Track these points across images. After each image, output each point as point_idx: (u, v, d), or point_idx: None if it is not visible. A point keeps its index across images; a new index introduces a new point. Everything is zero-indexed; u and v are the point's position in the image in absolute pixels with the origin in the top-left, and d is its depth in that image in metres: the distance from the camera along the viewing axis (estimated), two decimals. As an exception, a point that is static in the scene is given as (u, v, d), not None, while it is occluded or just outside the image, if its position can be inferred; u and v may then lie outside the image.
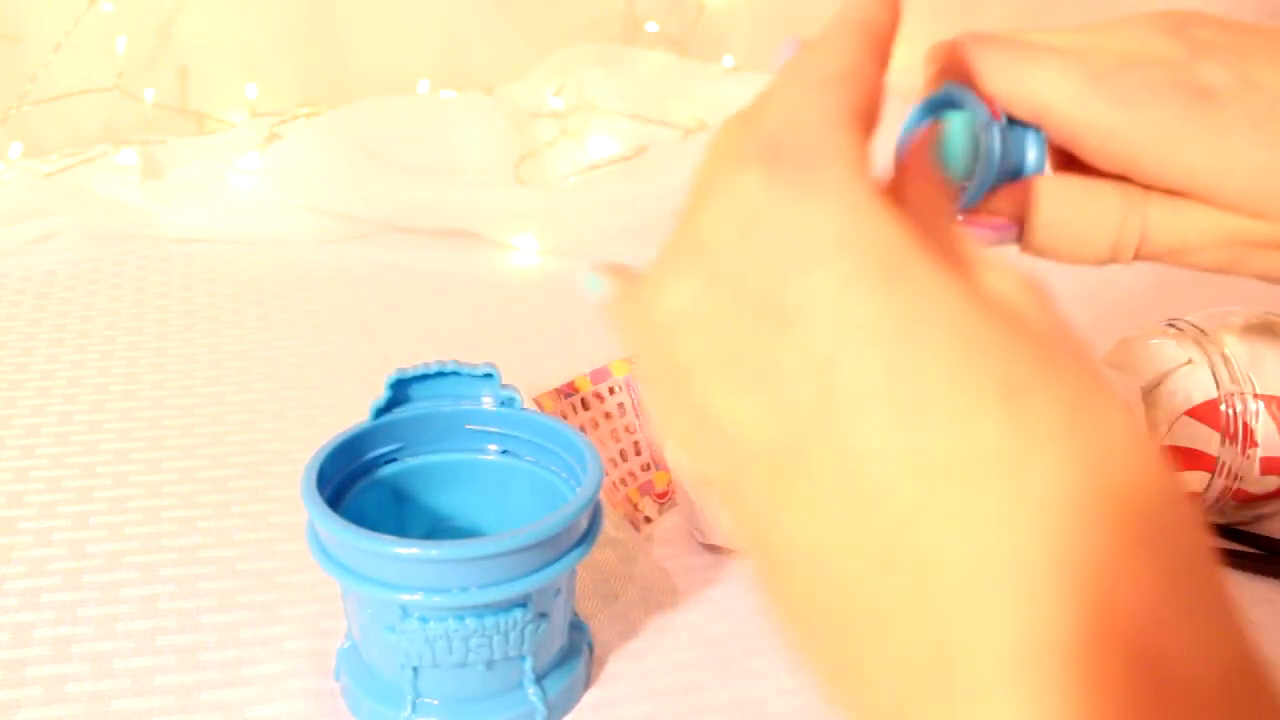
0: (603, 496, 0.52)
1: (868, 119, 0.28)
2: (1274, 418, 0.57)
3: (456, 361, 0.52)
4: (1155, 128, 0.36)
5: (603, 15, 1.25)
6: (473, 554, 0.43)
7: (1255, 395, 0.57)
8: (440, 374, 0.52)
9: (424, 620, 0.44)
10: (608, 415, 0.62)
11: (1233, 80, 0.36)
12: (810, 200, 0.25)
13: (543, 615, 0.46)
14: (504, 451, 0.53)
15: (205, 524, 0.61)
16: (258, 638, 0.53)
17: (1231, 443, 0.56)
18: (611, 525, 0.60)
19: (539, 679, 0.48)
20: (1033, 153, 0.39)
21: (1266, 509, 0.60)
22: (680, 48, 1.28)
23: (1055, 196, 0.39)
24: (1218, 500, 0.58)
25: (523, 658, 0.47)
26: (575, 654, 0.50)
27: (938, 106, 0.39)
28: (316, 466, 0.47)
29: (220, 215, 1.00)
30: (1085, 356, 0.24)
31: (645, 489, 0.61)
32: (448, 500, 0.53)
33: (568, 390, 0.62)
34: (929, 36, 0.44)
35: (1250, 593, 0.56)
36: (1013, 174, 0.39)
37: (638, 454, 0.62)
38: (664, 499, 0.62)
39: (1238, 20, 0.38)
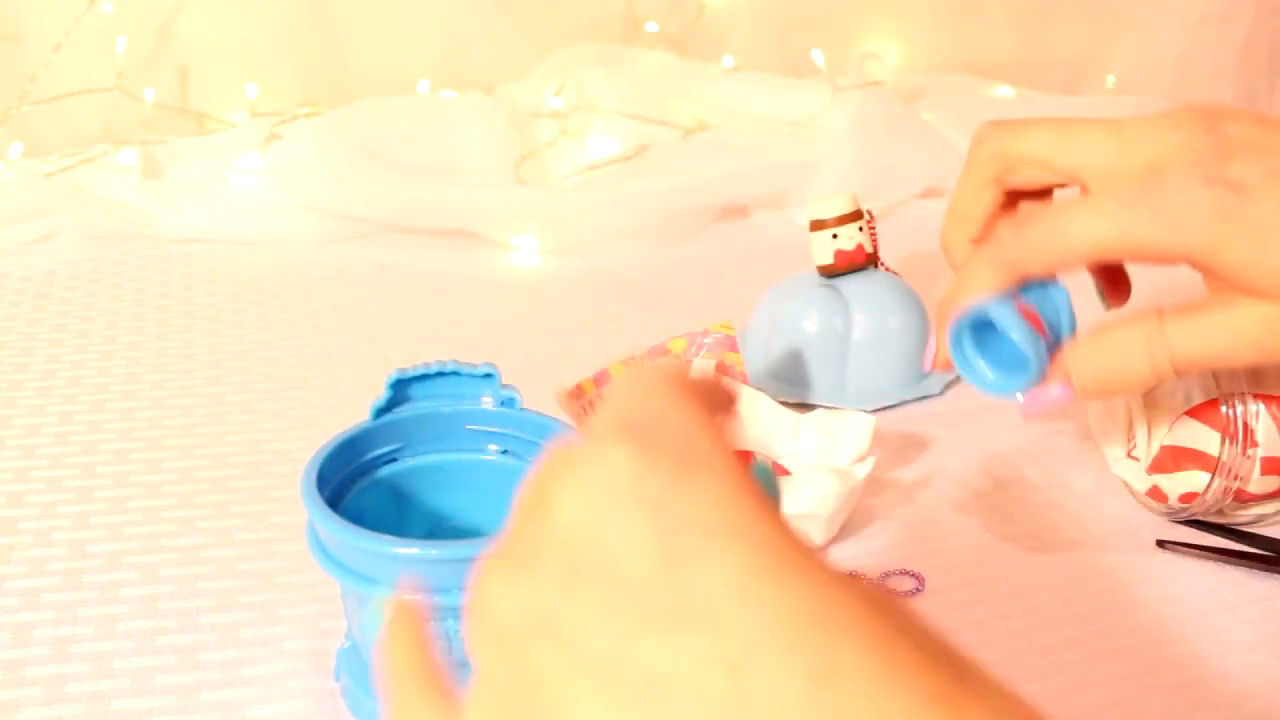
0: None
1: (713, 404, 0.26)
2: (1274, 418, 0.57)
3: (456, 361, 0.52)
4: (1196, 234, 0.40)
5: (603, 15, 1.25)
6: (473, 554, 0.43)
7: (1255, 395, 0.57)
8: (440, 374, 0.52)
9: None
10: None
11: (1262, 175, 0.40)
12: (691, 481, 0.21)
13: (543, 615, 0.46)
14: (504, 451, 0.53)
15: (205, 524, 0.61)
16: (258, 638, 0.53)
17: (1232, 443, 0.56)
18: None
19: (539, 679, 0.48)
20: (1064, 319, 0.46)
21: (1267, 509, 0.60)
22: (680, 48, 1.28)
23: (1084, 357, 0.44)
24: (1218, 500, 0.58)
25: (523, 658, 0.47)
26: (575, 654, 0.50)
27: (978, 325, 0.46)
28: (316, 467, 0.47)
29: (220, 215, 0.99)
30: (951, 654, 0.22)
31: None
32: (448, 500, 0.53)
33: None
34: (929, 36, 0.46)
35: (1250, 593, 0.57)
36: (1052, 346, 0.45)
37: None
38: None
39: (1266, 114, 0.42)
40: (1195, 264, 0.41)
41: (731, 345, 0.68)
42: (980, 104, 1.28)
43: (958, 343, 0.47)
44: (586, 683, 0.20)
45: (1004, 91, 1.33)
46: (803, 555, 0.21)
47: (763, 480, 0.26)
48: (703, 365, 0.65)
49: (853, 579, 0.22)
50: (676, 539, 0.21)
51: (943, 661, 0.21)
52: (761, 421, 0.63)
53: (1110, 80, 1.44)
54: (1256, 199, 0.39)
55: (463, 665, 0.45)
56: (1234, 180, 0.40)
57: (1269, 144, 0.40)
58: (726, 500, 0.21)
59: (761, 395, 0.64)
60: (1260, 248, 0.39)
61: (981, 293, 0.45)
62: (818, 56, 1.26)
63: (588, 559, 0.21)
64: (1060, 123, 0.45)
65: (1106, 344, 0.44)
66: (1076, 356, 0.45)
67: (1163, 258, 0.41)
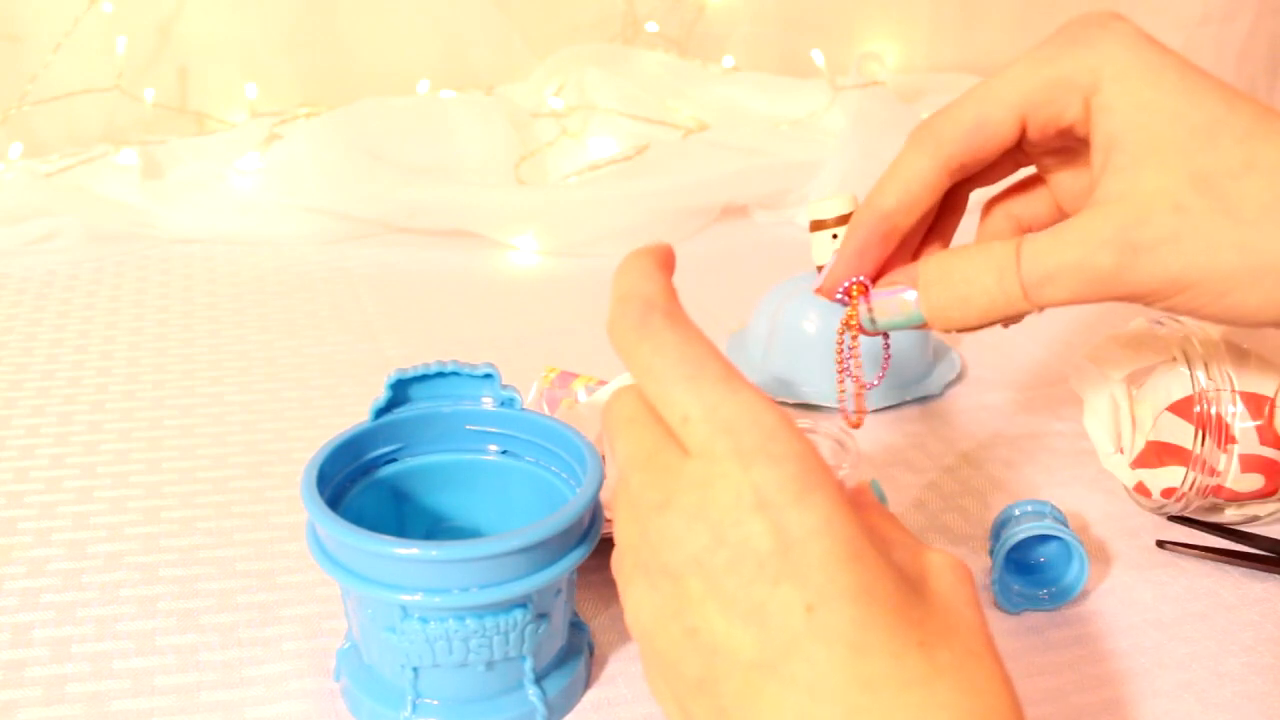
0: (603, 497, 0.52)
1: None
2: (1254, 416, 0.57)
3: (456, 362, 0.52)
4: (1104, 61, 0.40)
5: (603, 15, 1.25)
6: (473, 554, 0.43)
7: (1234, 393, 0.57)
8: (440, 374, 0.52)
9: (424, 620, 0.44)
10: None
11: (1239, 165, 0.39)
12: (802, 499, 0.31)
13: (543, 615, 0.46)
14: (504, 451, 0.53)
15: (205, 524, 0.61)
16: (258, 638, 0.53)
17: (1207, 438, 0.57)
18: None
19: (539, 679, 0.48)
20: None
21: (1261, 510, 0.60)
22: (680, 48, 1.28)
23: (934, 265, 0.44)
24: (1198, 496, 0.58)
25: (523, 658, 0.47)
26: (575, 654, 0.50)
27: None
28: (316, 467, 0.47)
29: (220, 215, 1.00)
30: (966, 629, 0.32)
31: None
32: (448, 500, 0.53)
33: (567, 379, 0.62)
34: (929, 36, 0.47)
35: (1250, 593, 0.57)
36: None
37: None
38: None
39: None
40: (1089, 104, 0.41)
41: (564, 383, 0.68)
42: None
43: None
44: (714, 603, 0.31)
45: (1004, 91, 1.33)
46: (871, 552, 0.31)
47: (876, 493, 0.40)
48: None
49: (892, 570, 0.31)
50: (789, 534, 0.31)
51: (932, 632, 0.31)
52: None
53: (1110, 80, 1.44)
54: (1143, 50, 0.40)
55: (462, 666, 0.45)
56: (1134, 28, 0.41)
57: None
58: (831, 517, 0.31)
59: None
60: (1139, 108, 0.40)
61: (911, 179, 0.44)
62: (818, 56, 1.26)
63: (730, 536, 0.31)
64: (976, 85, 0.44)
65: (959, 254, 0.43)
66: (928, 265, 0.43)
67: (1065, 93, 0.41)
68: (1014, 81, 0.42)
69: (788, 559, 0.30)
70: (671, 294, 0.35)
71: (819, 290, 0.47)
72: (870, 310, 0.45)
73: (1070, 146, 0.45)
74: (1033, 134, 0.43)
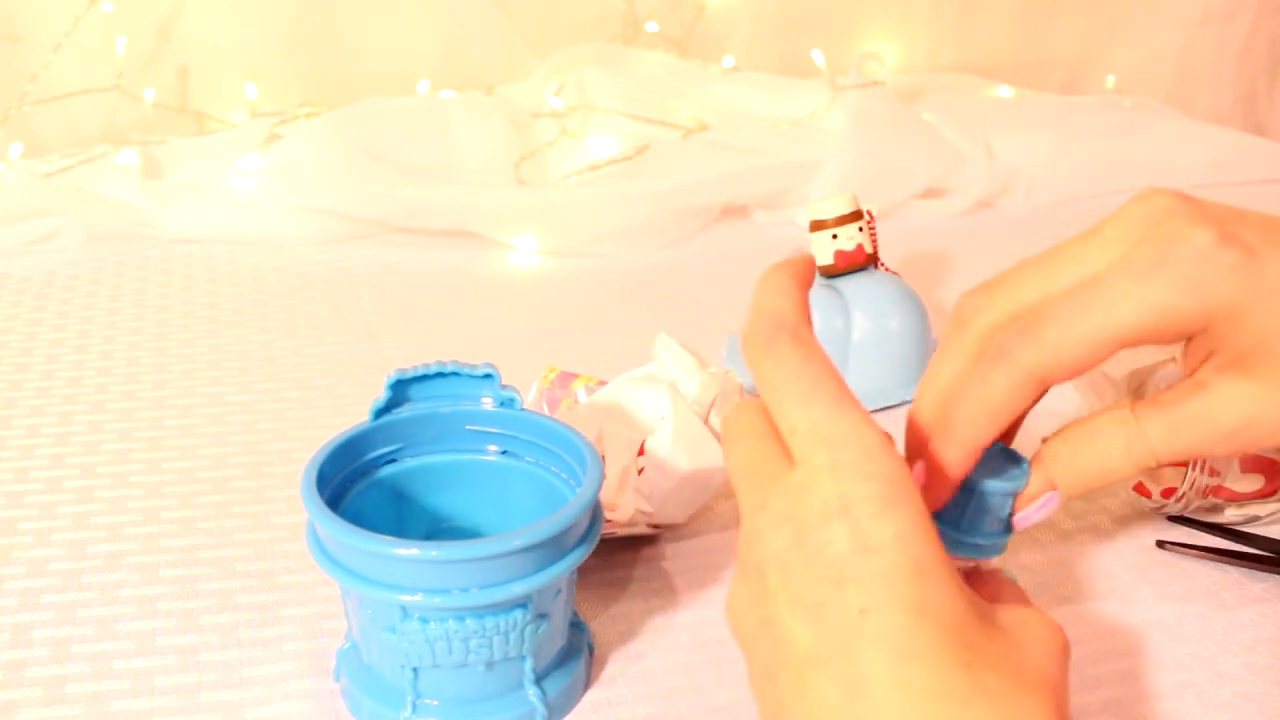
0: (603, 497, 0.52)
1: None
2: None
3: (456, 362, 0.52)
4: (1220, 294, 0.38)
5: (603, 15, 1.26)
6: (473, 555, 0.43)
7: None
8: (440, 374, 0.52)
9: (424, 621, 0.44)
10: None
11: (1261, 236, 0.38)
12: (884, 510, 0.33)
13: (543, 616, 0.46)
14: (504, 452, 0.53)
15: (205, 524, 0.61)
16: (258, 638, 0.53)
17: None
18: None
19: (539, 679, 0.48)
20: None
21: (1261, 510, 0.60)
22: (680, 48, 1.28)
23: (1065, 460, 0.42)
24: (1197, 495, 0.58)
25: (523, 658, 0.47)
26: (575, 654, 0.50)
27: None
28: (316, 467, 0.47)
29: (220, 215, 1.00)
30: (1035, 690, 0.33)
31: None
32: (448, 500, 0.53)
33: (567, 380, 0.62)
34: (929, 36, 0.45)
35: (1250, 593, 0.57)
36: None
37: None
38: None
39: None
40: (1214, 330, 0.39)
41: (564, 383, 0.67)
42: (980, 104, 1.28)
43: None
44: (785, 596, 0.34)
45: (1004, 91, 1.33)
46: (934, 566, 0.33)
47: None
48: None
49: (960, 594, 0.33)
50: (863, 542, 0.33)
51: (986, 660, 0.33)
52: (638, 402, 0.62)
53: (1110, 80, 1.45)
54: (1264, 259, 0.38)
55: (462, 666, 0.45)
56: (1243, 240, 0.38)
57: (1240, 210, 0.40)
58: (905, 534, 0.33)
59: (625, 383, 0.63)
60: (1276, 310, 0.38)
61: (990, 408, 0.40)
62: (818, 56, 1.26)
63: (807, 543, 0.34)
64: (1037, 259, 0.41)
65: (1085, 446, 0.42)
66: (1056, 460, 0.42)
67: (1185, 329, 0.39)
68: (1131, 315, 0.39)
69: (856, 565, 0.32)
70: (802, 312, 0.38)
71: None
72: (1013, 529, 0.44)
73: None
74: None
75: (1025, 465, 0.42)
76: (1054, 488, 0.42)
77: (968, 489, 0.42)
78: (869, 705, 0.31)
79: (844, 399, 0.35)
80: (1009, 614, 0.36)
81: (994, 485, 0.41)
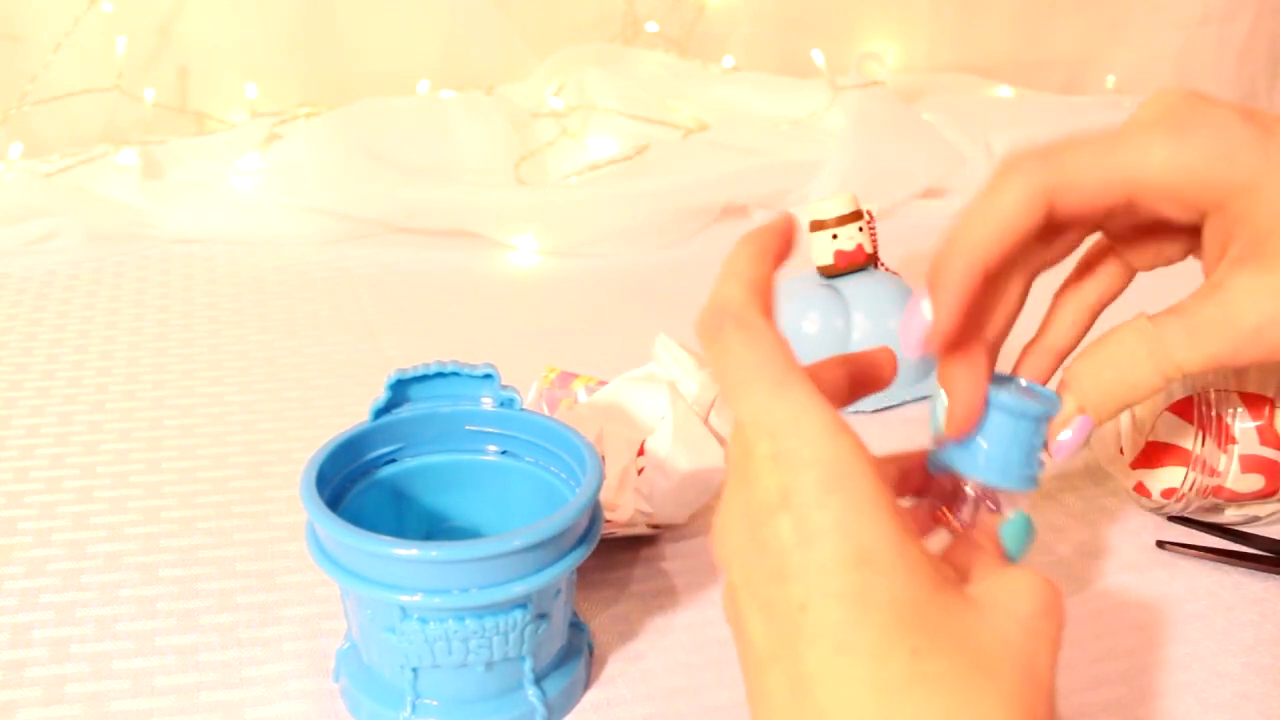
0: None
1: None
2: (1254, 416, 0.57)
3: (456, 362, 0.52)
4: (1240, 169, 0.38)
5: (603, 15, 1.26)
6: (473, 555, 0.43)
7: (1235, 393, 0.57)
8: (440, 374, 0.52)
9: (424, 621, 0.44)
10: None
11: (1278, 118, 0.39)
12: (825, 498, 0.32)
13: (542, 616, 0.46)
14: (504, 452, 0.53)
15: (205, 524, 0.61)
16: (257, 638, 0.53)
17: (1206, 437, 0.57)
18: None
19: (539, 680, 0.48)
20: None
21: (1261, 510, 0.60)
22: (680, 48, 1.28)
23: (1090, 377, 0.41)
24: (1198, 496, 0.58)
25: (522, 658, 0.47)
26: (575, 654, 0.50)
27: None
28: (316, 467, 0.47)
29: (220, 215, 1.00)
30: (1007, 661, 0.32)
31: None
32: (448, 500, 0.53)
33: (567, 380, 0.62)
34: (929, 36, 0.45)
35: (1250, 593, 0.57)
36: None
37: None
38: None
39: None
40: (1231, 209, 0.39)
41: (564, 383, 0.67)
42: (980, 104, 1.28)
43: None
44: (746, 591, 0.33)
45: (1004, 91, 1.33)
46: (885, 553, 0.32)
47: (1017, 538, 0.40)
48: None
49: (911, 576, 0.32)
50: (804, 533, 0.32)
51: (945, 631, 0.31)
52: (638, 402, 0.62)
53: (1110, 80, 1.44)
54: None
55: (461, 666, 0.45)
56: (1262, 120, 0.39)
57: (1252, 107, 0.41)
58: (844, 520, 0.32)
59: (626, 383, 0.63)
60: None
61: (1005, 216, 0.38)
62: (818, 56, 1.26)
63: (759, 534, 0.33)
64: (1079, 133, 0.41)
65: (1107, 362, 0.41)
66: (1080, 380, 0.41)
67: (1202, 196, 0.39)
68: (1157, 164, 0.39)
69: (796, 559, 0.32)
70: (754, 293, 0.36)
71: (949, 432, 0.42)
72: (1049, 458, 0.42)
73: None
74: (1144, 211, 0.41)
75: (1054, 394, 0.42)
76: (1083, 412, 0.41)
77: (997, 415, 0.40)
78: (811, 703, 0.31)
79: (786, 383, 0.34)
80: (987, 582, 0.34)
81: (1020, 406, 0.40)
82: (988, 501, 0.42)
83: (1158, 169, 0.39)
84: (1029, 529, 0.41)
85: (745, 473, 0.34)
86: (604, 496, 0.54)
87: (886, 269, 0.77)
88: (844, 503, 0.32)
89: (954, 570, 0.36)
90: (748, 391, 0.34)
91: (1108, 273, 0.46)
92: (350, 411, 0.71)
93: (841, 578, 0.31)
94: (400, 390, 0.52)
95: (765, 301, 0.36)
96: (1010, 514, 0.41)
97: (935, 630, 0.31)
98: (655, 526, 0.58)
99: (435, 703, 0.47)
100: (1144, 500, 0.61)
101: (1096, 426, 0.42)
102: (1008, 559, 0.40)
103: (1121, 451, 0.61)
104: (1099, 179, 0.39)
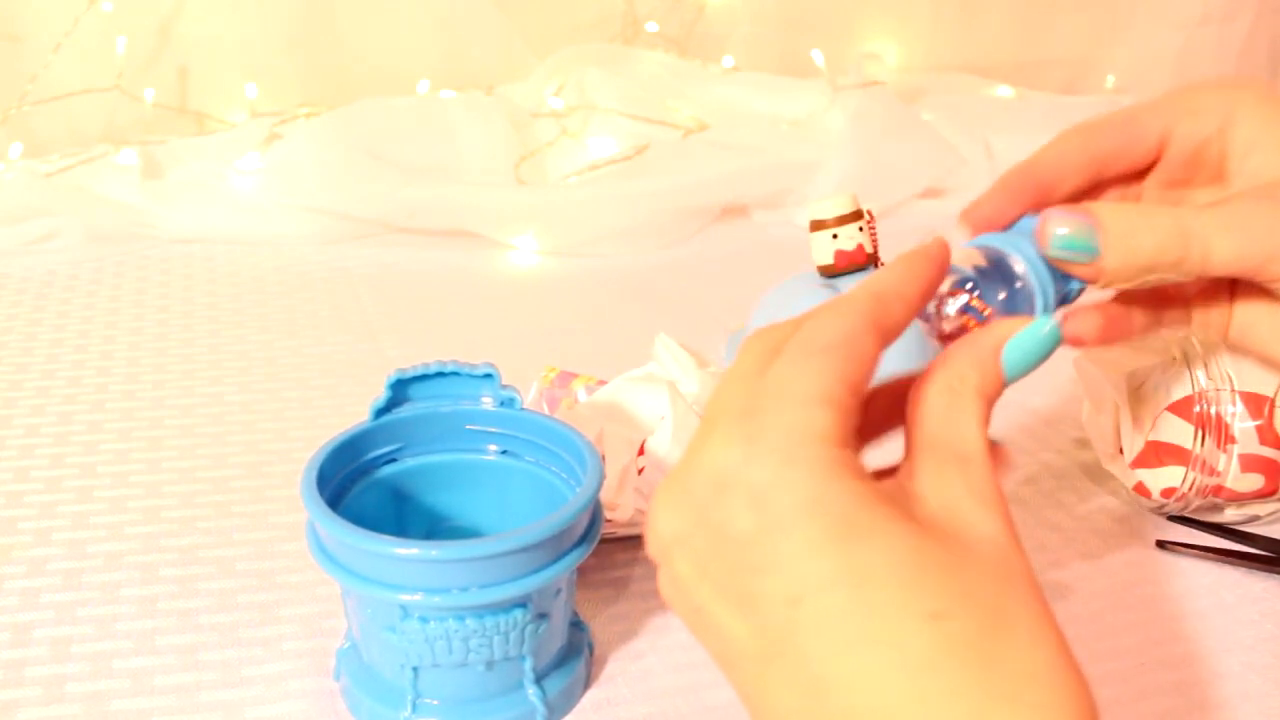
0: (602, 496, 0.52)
1: (855, 386, 0.31)
2: (1254, 416, 0.57)
3: (456, 361, 0.52)
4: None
5: (603, 15, 1.25)
6: (473, 554, 0.43)
7: (1235, 393, 0.57)
8: (440, 374, 0.52)
9: (424, 620, 0.44)
10: None
11: None
12: (782, 473, 0.29)
13: (543, 615, 0.46)
14: (504, 451, 0.53)
15: (205, 524, 0.61)
16: (257, 638, 0.53)
17: (1207, 438, 0.57)
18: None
19: (539, 679, 0.48)
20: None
21: (1261, 510, 0.60)
22: (680, 48, 1.28)
23: (1121, 216, 0.39)
24: (1198, 496, 0.59)
25: (523, 658, 0.47)
26: (575, 654, 0.50)
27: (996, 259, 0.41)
28: (316, 467, 0.47)
29: (220, 215, 1.00)
30: (1006, 581, 0.30)
31: None
32: (448, 500, 0.53)
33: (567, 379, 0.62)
34: (929, 36, 0.45)
35: (1250, 593, 0.57)
36: (1061, 299, 0.41)
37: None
38: None
39: None
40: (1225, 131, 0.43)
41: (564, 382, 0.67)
42: (980, 104, 1.28)
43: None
44: (707, 585, 0.30)
45: (1004, 91, 1.33)
46: (868, 520, 0.29)
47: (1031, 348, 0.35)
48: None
49: (905, 535, 0.29)
50: (766, 518, 0.29)
51: (956, 580, 0.29)
52: (638, 402, 0.62)
53: (1110, 80, 1.44)
54: None
55: (462, 665, 0.45)
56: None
57: None
58: (813, 484, 0.29)
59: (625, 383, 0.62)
60: None
61: (1064, 150, 0.43)
62: (818, 56, 1.26)
63: (708, 520, 0.30)
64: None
65: (1140, 220, 0.39)
66: (1104, 211, 0.39)
67: (1209, 117, 0.43)
68: (1158, 103, 0.44)
69: (769, 548, 0.29)
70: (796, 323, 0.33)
71: (966, 216, 0.43)
72: (1044, 227, 0.39)
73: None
74: (1172, 151, 0.44)
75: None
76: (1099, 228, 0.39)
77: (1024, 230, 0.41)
78: (833, 706, 0.28)
79: (763, 367, 0.31)
80: (933, 493, 0.31)
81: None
82: (976, 313, 0.39)
83: (1150, 107, 0.44)
84: (1055, 336, 0.35)
85: (692, 453, 0.31)
86: (604, 496, 0.54)
87: (886, 269, 0.77)
88: (810, 475, 0.29)
89: (894, 486, 0.32)
90: (724, 377, 0.33)
91: (1126, 133, 0.44)
92: (350, 411, 0.71)
93: (829, 559, 0.28)
94: (400, 390, 0.52)
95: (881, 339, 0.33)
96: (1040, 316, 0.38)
97: (942, 584, 0.28)
98: None
99: (436, 702, 0.47)
100: (1144, 500, 0.61)
101: (1104, 277, 0.39)
102: (1006, 375, 0.34)
103: (1121, 451, 0.61)
104: (1119, 123, 0.44)
